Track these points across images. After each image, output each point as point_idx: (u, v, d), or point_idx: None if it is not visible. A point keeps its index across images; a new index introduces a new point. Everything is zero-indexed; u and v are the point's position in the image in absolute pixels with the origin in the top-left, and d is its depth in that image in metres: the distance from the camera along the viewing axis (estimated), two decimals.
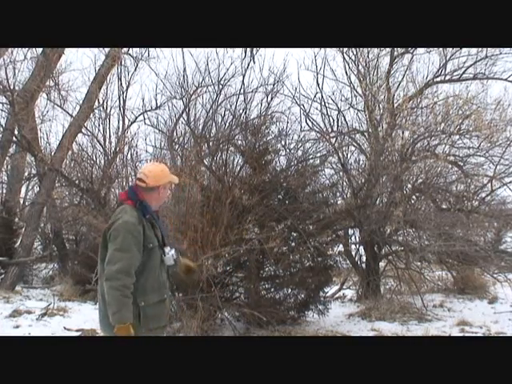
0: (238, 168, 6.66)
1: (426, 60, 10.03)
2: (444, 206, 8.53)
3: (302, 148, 7.40)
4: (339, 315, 7.41)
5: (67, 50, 10.92)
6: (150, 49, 11.05)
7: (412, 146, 8.08)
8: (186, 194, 6.27)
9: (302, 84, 9.29)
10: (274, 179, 6.64)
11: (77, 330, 6.14)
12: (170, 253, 2.98)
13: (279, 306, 6.45)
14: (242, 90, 8.05)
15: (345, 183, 8.66)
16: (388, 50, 8.88)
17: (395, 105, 8.62)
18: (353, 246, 8.82)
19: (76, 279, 9.62)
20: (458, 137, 8.29)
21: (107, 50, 10.72)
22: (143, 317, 2.82)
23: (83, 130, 10.08)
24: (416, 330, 6.51)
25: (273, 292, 6.67)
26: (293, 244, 6.60)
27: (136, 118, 10.98)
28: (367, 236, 7.98)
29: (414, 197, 8.61)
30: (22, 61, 10.56)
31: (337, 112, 9.17)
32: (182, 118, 9.56)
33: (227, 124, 7.12)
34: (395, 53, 8.98)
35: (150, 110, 10.79)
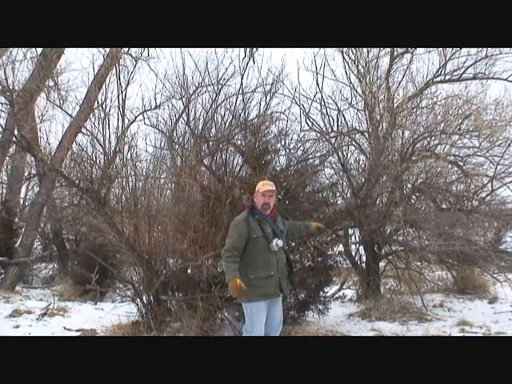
0: (238, 168, 6.65)
1: (425, 60, 10.02)
2: (444, 206, 8.51)
3: (301, 148, 7.40)
4: (339, 315, 7.41)
5: (67, 50, 10.94)
6: (149, 49, 11.06)
7: (412, 146, 8.07)
8: (186, 193, 6.27)
9: (301, 84, 9.29)
10: (273, 179, 6.61)
11: (77, 330, 6.14)
12: (274, 242, 4.04)
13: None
14: (241, 90, 8.04)
15: (345, 183, 8.64)
16: (388, 49, 8.88)
17: (395, 104, 8.60)
18: (353, 246, 8.81)
19: (76, 279, 9.63)
20: (457, 137, 8.28)
21: (107, 50, 10.72)
22: (253, 285, 3.91)
23: (83, 130, 10.07)
24: (416, 330, 6.50)
25: None
26: (293, 244, 6.59)
27: (136, 117, 10.99)
28: (367, 236, 7.98)
29: (413, 197, 8.59)
30: (22, 61, 10.58)
31: (336, 112, 9.15)
32: (181, 118, 9.56)
33: (227, 124, 7.12)
34: (395, 53, 8.97)
35: (149, 110, 10.81)
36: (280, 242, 4.07)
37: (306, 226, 4.77)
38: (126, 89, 10.92)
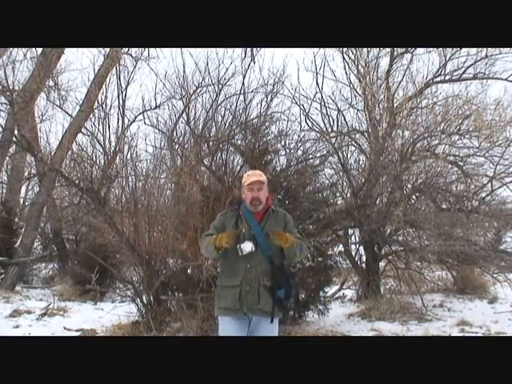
0: (238, 168, 6.66)
1: (425, 60, 10.07)
2: (444, 206, 8.51)
3: (301, 148, 7.40)
4: (339, 315, 7.41)
5: (67, 50, 10.94)
6: (149, 49, 11.07)
7: (412, 146, 8.07)
8: (186, 193, 6.27)
9: (301, 84, 9.30)
10: (273, 179, 6.63)
11: (77, 330, 6.14)
12: (243, 244, 3.21)
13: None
14: (241, 90, 8.04)
15: (345, 183, 8.65)
16: (388, 50, 8.88)
17: (395, 105, 8.61)
18: (353, 246, 8.81)
19: (76, 279, 9.63)
20: (457, 137, 8.29)
21: (107, 50, 10.73)
22: (217, 295, 3.36)
23: (83, 130, 10.09)
24: (416, 330, 6.50)
25: None
26: None
27: (135, 117, 11.01)
28: (367, 236, 7.98)
29: (413, 197, 8.60)
30: (22, 61, 10.59)
31: (336, 112, 9.17)
32: (181, 118, 9.56)
33: (227, 124, 7.12)
34: (395, 53, 8.98)
35: (149, 110, 10.81)
36: (248, 246, 3.20)
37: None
38: (126, 89, 10.94)
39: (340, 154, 8.48)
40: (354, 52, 9.02)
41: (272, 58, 12.06)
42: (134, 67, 11.30)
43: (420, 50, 8.92)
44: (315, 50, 9.04)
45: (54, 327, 6.39)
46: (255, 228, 3.28)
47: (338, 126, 9.11)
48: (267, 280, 3.21)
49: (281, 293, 3.23)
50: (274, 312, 3.20)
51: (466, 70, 8.79)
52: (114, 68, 10.81)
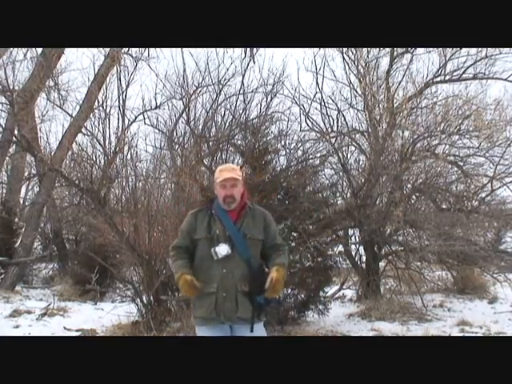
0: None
1: (425, 60, 10.00)
2: (444, 206, 8.52)
3: (301, 148, 7.43)
4: (339, 315, 7.41)
5: (67, 50, 10.94)
6: (149, 49, 11.07)
7: (412, 146, 8.07)
8: (186, 193, 6.27)
9: (301, 84, 9.34)
10: (273, 179, 6.64)
11: (77, 330, 6.14)
12: (217, 247, 2.92)
13: (279, 306, 6.44)
14: (241, 90, 8.06)
15: (345, 183, 8.65)
16: (388, 50, 8.88)
17: (395, 105, 8.61)
18: (353, 246, 8.81)
19: (76, 279, 9.64)
20: (457, 137, 8.29)
21: (107, 50, 10.73)
22: (192, 304, 3.11)
23: (83, 130, 10.09)
24: (416, 330, 6.50)
25: None
26: (293, 244, 6.59)
27: (136, 117, 11.01)
28: (367, 236, 7.98)
29: (413, 197, 8.60)
30: (22, 61, 10.60)
31: (336, 112, 9.17)
32: (181, 118, 9.58)
33: (227, 124, 7.16)
34: (395, 53, 8.98)
35: (149, 110, 10.81)
36: (224, 249, 2.92)
37: (271, 263, 3.10)
38: (126, 89, 10.93)
39: (340, 154, 8.48)
40: (354, 52, 9.02)
41: (272, 58, 12.09)
42: (134, 67, 11.31)
43: (420, 50, 8.92)
44: (315, 50, 9.06)
45: (53, 327, 6.39)
46: (230, 228, 2.99)
47: (337, 126, 9.12)
48: (245, 285, 2.95)
49: (260, 298, 2.96)
50: (254, 319, 2.94)
51: (465, 70, 8.79)
52: (114, 68, 10.80)
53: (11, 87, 9.33)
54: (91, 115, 10.16)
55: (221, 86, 9.08)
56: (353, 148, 9.14)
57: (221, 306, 2.93)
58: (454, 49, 8.55)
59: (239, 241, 2.97)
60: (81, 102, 10.79)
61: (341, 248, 8.14)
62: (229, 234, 2.98)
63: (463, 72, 8.81)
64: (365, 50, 8.83)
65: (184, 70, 9.67)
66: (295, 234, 6.68)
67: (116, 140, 8.67)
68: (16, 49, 10.16)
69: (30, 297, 9.40)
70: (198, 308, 3.01)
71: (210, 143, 7.13)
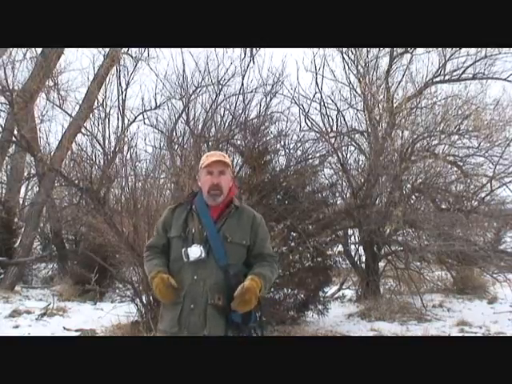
0: (238, 168, 6.67)
1: (425, 60, 10.03)
2: (443, 206, 8.53)
3: (301, 148, 7.42)
4: (339, 315, 7.41)
5: (66, 50, 10.94)
6: (149, 49, 11.06)
7: (411, 146, 8.09)
8: (186, 194, 6.27)
9: (301, 84, 9.35)
10: (273, 179, 6.64)
11: (76, 330, 6.14)
12: (189, 248, 2.47)
13: (279, 306, 6.44)
14: (241, 90, 8.06)
15: (344, 183, 8.66)
16: (387, 50, 8.89)
17: (394, 105, 8.63)
18: (352, 246, 8.82)
19: (76, 279, 9.63)
20: (457, 137, 8.32)
21: (107, 50, 10.73)
22: (160, 313, 2.64)
23: (82, 130, 10.09)
24: (415, 330, 6.51)
25: (272, 292, 6.67)
26: (292, 244, 6.59)
27: (135, 117, 10.98)
28: (367, 236, 7.98)
29: (413, 197, 8.61)
30: (22, 61, 10.58)
31: (336, 112, 9.19)
32: (181, 118, 9.56)
33: (226, 124, 7.15)
34: (394, 53, 8.99)
35: (149, 110, 10.79)
36: (196, 252, 2.45)
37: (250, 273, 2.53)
38: (125, 89, 10.92)
39: (339, 154, 8.49)
40: (354, 52, 9.04)
41: (271, 58, 12.06)
42: (134, 67, 11.28)
43: (419, 50, 8.94)
44: (315, 49, 9.07)
45: (53, 327, 6.39)
46: (209, 228, 2.51)
47: (337, 126, 9.13)
48: (219, 298, 2.45)
49: (236, 316, 2.46)
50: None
51: (465, 70, 8.81)
52: (114, 68, 10.80)
53: (11, 87, 9.33)
54: (91, 115, 10.18)
55: (220, 86, 9.07)
56: (352, 148, 9.16)
57: (186, 318, 2.48)
58: (454, 49, 8.57)
59: (217, 244, 2.48)
60: (80, 102, 10.79)
61: (340, 248, 8.16)
62: (206, 235, 2.50)
63: (463, 72, 8.83)
64: (364, 50, 8.85)
65: (183, 70, 9.66)
66: (295, 234, 6.68)
67: (115, 140, 8.68)
68: (16, 49, 10.15)
69: (30, 297, 9.40)
70: (162, 320, 2.59)
71: (210, 143, 7.12)
